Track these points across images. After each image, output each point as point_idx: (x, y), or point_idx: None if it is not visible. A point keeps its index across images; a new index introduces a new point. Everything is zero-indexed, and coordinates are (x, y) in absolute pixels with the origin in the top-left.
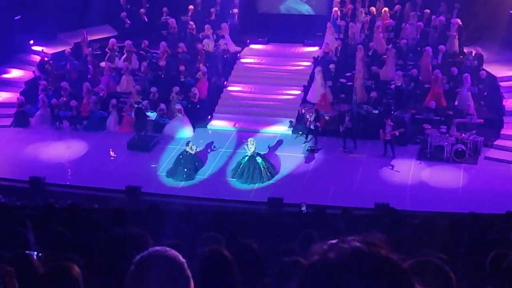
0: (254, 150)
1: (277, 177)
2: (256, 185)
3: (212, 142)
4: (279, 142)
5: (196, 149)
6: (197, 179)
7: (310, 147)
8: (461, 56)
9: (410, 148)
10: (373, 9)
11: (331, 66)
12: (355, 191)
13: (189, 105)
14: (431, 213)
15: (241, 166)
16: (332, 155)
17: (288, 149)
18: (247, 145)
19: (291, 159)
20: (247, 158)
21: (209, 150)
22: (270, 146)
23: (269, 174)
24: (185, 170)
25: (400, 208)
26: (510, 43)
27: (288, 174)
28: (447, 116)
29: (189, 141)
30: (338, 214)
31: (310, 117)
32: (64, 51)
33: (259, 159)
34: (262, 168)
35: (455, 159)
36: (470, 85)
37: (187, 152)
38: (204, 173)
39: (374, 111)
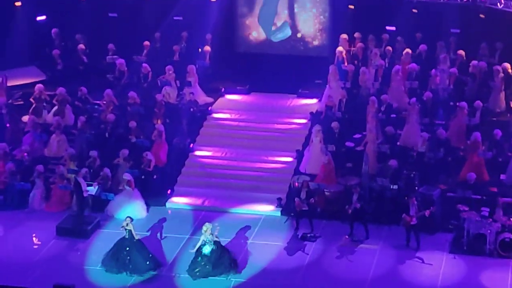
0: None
1: (258, 273)
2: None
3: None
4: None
5: (130, 230)
6: (156, 276)
7: (304, 233)
8: (509, 115)
9: (440, 237)
10: (390, 49)
11: (334, 124)
12: None
13: (142, 176)
14: None
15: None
16: (335, 245)
17: (275, 236)
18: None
19: (279, 249)
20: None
21: (162, 237)
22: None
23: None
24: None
25: None
26: None
27: (275, 269)
28: (490, 195)
29: (129, 217)
30: None
31: (301, 190)
32: None
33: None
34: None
35: (501, 252)
36: None
37: (126, 234)
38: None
39: (392, 187)
